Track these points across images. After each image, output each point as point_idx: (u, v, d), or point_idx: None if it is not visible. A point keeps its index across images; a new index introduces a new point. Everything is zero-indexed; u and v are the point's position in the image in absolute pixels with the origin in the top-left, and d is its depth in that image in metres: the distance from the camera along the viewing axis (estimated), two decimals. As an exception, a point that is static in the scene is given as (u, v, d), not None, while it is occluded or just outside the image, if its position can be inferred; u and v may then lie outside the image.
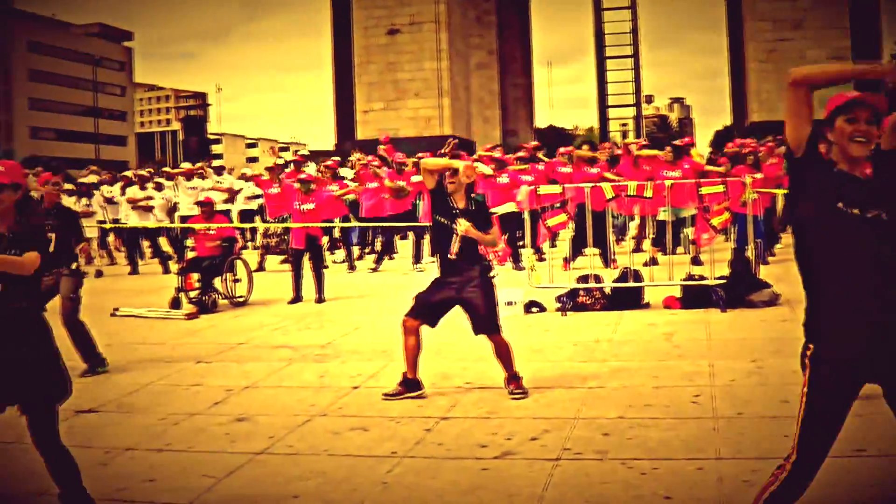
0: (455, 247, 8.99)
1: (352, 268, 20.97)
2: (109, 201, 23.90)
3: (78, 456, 6.29)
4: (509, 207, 18.34)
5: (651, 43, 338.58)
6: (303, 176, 17.71)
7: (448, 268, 9.11)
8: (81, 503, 6.01)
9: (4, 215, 5.99)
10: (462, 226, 8.91)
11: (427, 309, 9.10)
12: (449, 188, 9.10)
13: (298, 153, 27.09)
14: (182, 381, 10.42)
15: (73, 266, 11.00)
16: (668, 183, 15.02)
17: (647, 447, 7.15)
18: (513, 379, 9.04)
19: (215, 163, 28.67)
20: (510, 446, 7.34)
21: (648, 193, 14.58)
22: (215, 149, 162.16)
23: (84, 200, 22.56)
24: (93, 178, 25.30)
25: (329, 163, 23.46)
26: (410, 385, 9.11)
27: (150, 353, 12.17)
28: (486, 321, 9.02)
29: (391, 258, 22.04)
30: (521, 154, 22.28)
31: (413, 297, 9.21)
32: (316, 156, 31.31)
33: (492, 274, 9.23)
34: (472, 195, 9.43)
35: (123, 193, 24.09)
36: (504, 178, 19.44)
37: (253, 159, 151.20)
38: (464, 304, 9.07)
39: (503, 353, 9.08)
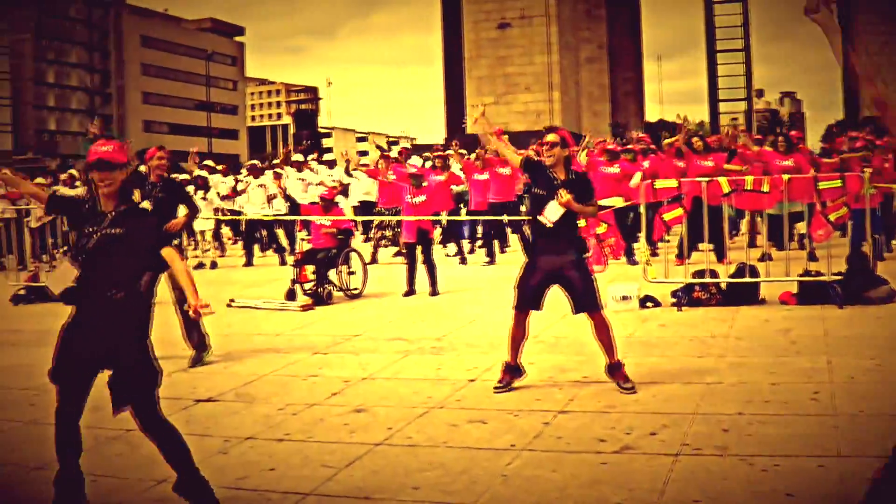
0: (555, 215, 8.91)
1: (463, 261, 20.98)
2: (227, 196, 24.24)
3: (197, 445, 6.38)
4: (615, 202, 18.17)
5: (762, 36, 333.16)
6: (412, 170, 17.77)
7: (543, 244, 9.07)
8: (198, 487, 6.07)
9: (111, 195, 6.11)
10: (563, 196, 8.84)
11: (529, 294, 9.09)
12: (547, 161, 9.06)
13: (402, 147, 27.19)
14: (299, 371, 10.52)
15: (175, 242, 11.17)
16: (785, 177, 14.78)
17: (767, 444, 7.05)
18: (616, 369, 8.98)
19: (326, 156, 28.81)
20: (629, 441, 7.29)
21: (766, 188, 14.41)
22: (326, 142, 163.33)
23: (200, 193, 22.87)
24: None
25: (440, 153, 23.47)
26: (514, 371, 9.13)
27: (266, 344, 12.31)
28: (585, 298, 8.98)
29: (503, 251, 22.00)
30: (631, 146, 22.06)
31: (514, 287, 9.19)
32: (423, 149, 31.33)
33: (586, 254, 9.20)
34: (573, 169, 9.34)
35: (237, 185, 24.36)
36: (615, 169, 19.23)
37: (363, 153, 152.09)
38: (562, 283, 9.04)
39: (603, 334, 9.03)
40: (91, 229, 6.06)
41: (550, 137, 9.19)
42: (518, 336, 9.15)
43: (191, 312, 6.15)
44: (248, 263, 22.83)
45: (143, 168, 11.64)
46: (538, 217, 9.02)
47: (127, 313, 6.00)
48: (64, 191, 21.57)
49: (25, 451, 7.90)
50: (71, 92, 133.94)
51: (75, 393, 6.10)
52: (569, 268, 8.94)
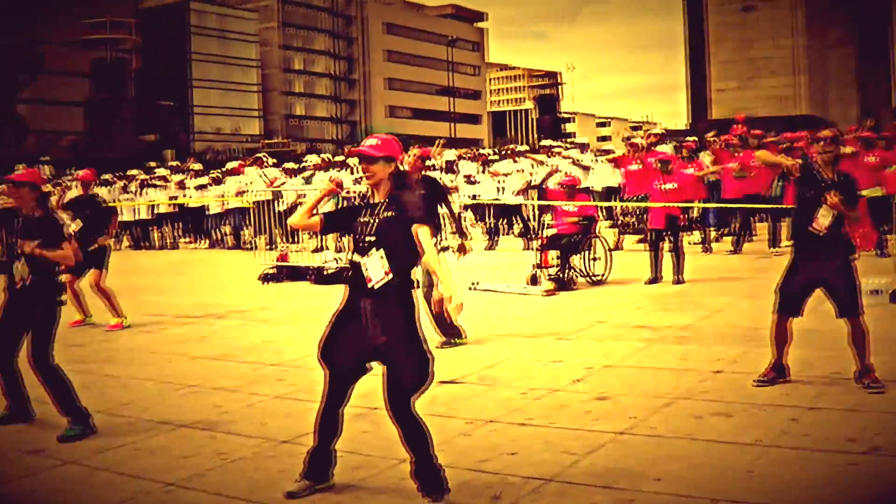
0: (826, 221, 8.64)
1: (707, 249, 20.63)
2: (469, 180, 24.48)
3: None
4: (875, 192, 17.54)
5: None
6: (661, 156, 17.54)
7: (810, 248, 8.80)
8: (432, 474, 6.11)
9: (380, 185, 6.26)
10: (833, 198, 8.56)
11: (792, 299, 8.82)
12: (823, 158, 8.78)
13: (650, 133, 26.80)
14: (542, 356, 10.52)
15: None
16: None
17: None
18: (865, 372, 8.62)
19: (577, 140, 28.68)
20: (879, 442, 6.97)
21: None
22: (568, 127, 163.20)
23: (449, 176, 23.12)
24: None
25: (687, 141, 23.12)
26: (780, 370, 8.87)
27: (509, 328, 12.36)
28: (847, 303, 8.65)
29: (749, 240, 21.55)
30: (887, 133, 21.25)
31: (776, 291, 8.94)
32: (672, 135, 30.91)
33: (853, 256, 8.87)
34: (838, 170, 9.02)
35: (484, 171, 24.56)
36: (872, 158, 18.55)
37: (604, 138, 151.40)
38: (826, 287, 8.75)
39: (859, 340, 8.66)
40: (367, 219, 6.23)
41: (827, 133, 8.95)
42: (781, 339, 8.90)
43: (438, 307, 6.22)
44: (491, 247, 22.95)
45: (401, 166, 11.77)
46: (809, 228, 8.75)
47: (400, 301, 6.11)
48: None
49: (273, 426, 8.13)
50: (317, 78, 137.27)
51: (343, 381, 6.27)
52: (834, 275, 8.63)
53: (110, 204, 17.82)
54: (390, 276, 6.08)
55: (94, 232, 14.04)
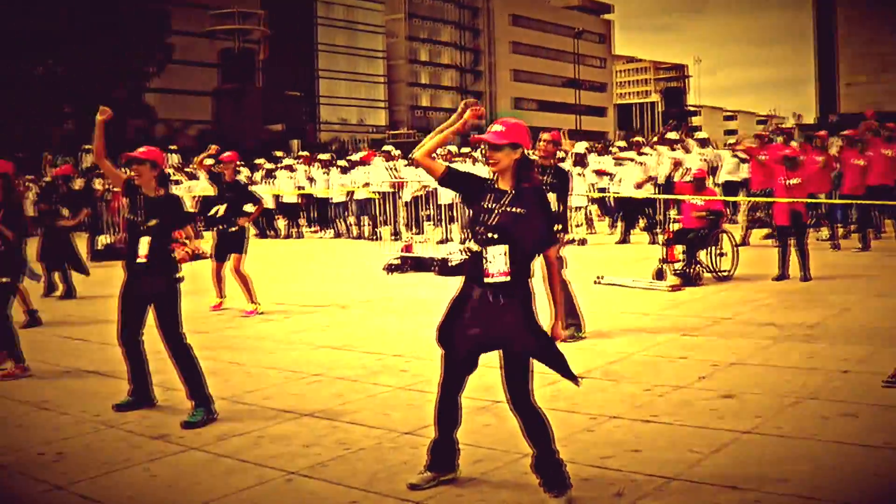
0: None
1: (836, 246, 20.21)
2: (599, 172, 24.42)
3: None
4: None
5: None
6: (786, 152, 17.23)
7: None
8: (553, 469, 6.05)
9: (506, 173, 6.16)
10: None
11: None
12: None
13: (779, 126, 26.38)
14: (667, 352, 10.40)
15: (558, 226, 11.23)
16: None
17: None
18: None
19: (697, 135, 28.34)
20: None
21: None
22: (694, 121, 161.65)
23: (577, 169, 23.07)
24: None
25: (821, 133, 22.69)
26: None
27: (633, 323, 12.25)
28: None
29: (877, 236, 21.09)
30: None
31: None
32: (803, 129, 30.40)
33: None
34: None
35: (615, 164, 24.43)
36: None
37: (731, 132, 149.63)
38: None
39: None
40: (491, 206, 6.12)
41: None
42: None
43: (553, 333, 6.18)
44: (624, 241, 22.80)
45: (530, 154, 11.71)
46: None
47: (517, 290, 6.04)
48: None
49: (395, 417, 8.17)
50: (443, 70, 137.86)
51: (459, 368, 6.22)
52: None
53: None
54: (508, 277, 6.00)
55: (235, 216, 14.44)
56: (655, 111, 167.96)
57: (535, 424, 6.07)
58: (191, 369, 8.40)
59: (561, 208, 11.05)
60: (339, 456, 7.09)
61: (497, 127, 6.22)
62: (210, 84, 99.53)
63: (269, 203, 30.81)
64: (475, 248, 6.13)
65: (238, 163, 15.06)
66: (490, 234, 6.04)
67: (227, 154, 15.21)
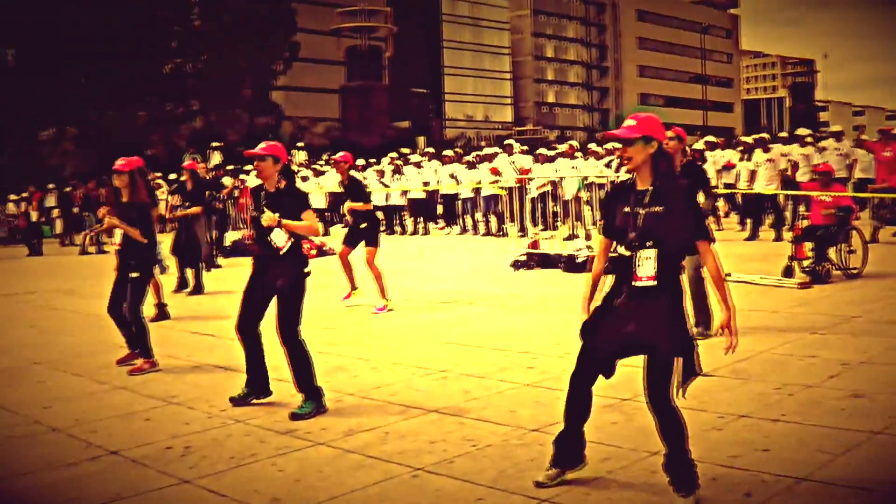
0: None
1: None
2: (726, 167, 24.17)
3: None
4: None
5: None
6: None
7: None
8: (684, 469, 5.96)
9: (643, 170, 6.04)
10: None
11: None
12: None
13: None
14: (796, 350, 10.21)
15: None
16: None
17: None
18: None
19: (832, 127, 27.80)
20: None
21: None
22: (822, 116, 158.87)
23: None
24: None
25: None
26: None
27: (762, 321, 12.06)
28: None
29: None
30: None
31: None
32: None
33: None
34: None
35: (742, 159, 24.12)
36: None
37: (859, 127, 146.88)
38: None
39: None
40: (631, 210, 6.02)
41: None
42: None
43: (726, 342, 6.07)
44: (752, 237, 22.49)
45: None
46: None
47: (666, 291, 5.95)
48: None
49: (522, 414, 8.14)
50: (568, 66, 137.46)
51: (597, 364, 6.14)
52: None
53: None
54: (655, 280, 5.91)
55: (359, 212, 14.81)
56: (783, 107, 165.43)
57: (672, 424, 5.98)
58: (303, 362, 8.48)
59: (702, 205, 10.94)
60: (465, 453, 7.10)
61: (628, 122, 6.10)
62: (336, 81, 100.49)
63: (396, 199, 31.14)
64: (625, 252, 6.03)
65: (351, 163, 15.28)
66: (638, 239, 5.95)
67: (340, 154, 15.46)
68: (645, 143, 6.00)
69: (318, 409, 8.36)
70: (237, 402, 8.81)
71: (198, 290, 17.68)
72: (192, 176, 18.93)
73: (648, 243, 5.92)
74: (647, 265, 5.92)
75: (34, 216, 32.14)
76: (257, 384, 8.91)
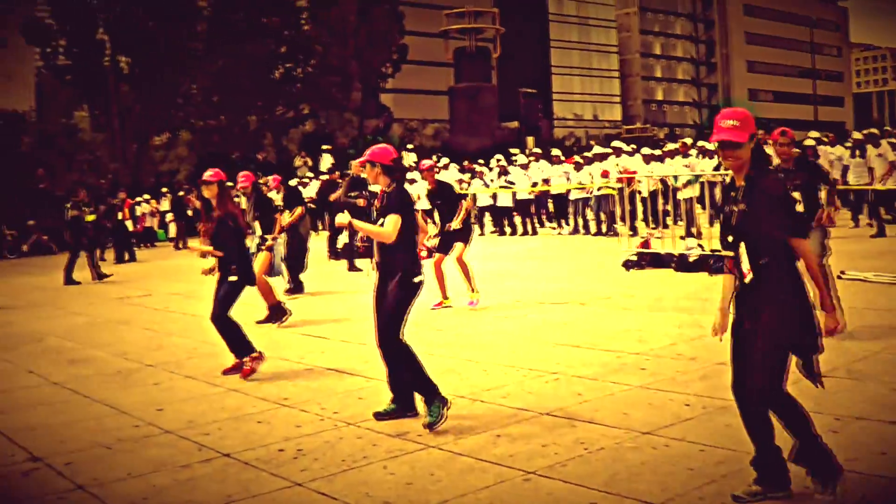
0: None
1: None
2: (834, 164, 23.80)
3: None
4: None
5: None
6: None
7: None
8: (819, 454, 5.87)
9: (743, 168, 5.92)
10: None
11: None
12: None
13: None
14: (916, 350, 9.99)
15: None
16: None
17: None
18: None
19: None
20: None
21: None
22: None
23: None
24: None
25: None
26: None
27: (879, 320, 11.79)
28: None
29: None
30: None
31: None
32: None
33: None
34: None
35: (854, 156, 23.73)
36: None
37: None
38: None
39: None
40: (730, 207, 5.95)
41: None
42: None
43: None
44: (880, 234, 22.08)
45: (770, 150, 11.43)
46: None
47: (773, 283, 5.80)
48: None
49: (635, 416, 8.05)
50: (676, 63, 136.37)
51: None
52: None
53: (464, 191, 18.36)
54: (750, 275, 5.81)
55: (449, 216, 14.85)
56: (895, 100, 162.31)
57: (793, 415, 5.87)
58: (411, 361, 8.36)
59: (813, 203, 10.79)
60: (577, 456, 7.03)
61: (729, 122, 5.89)
62: (445, 83, 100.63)
63: (505, 200, 31.19)
64: (726, 252, 5.99)
65: (436, 169, 15.48)
66: (731, 237, 5.90)
67: (425, 163, 15.67)
68: (750, 141, 5.88)
69: (441, 405, 8.15)
70: (381, 416, 8.52)
71: (297, 289, 17.94)
72: (283, 184, 19.26)
73: (737, 239, 5.88)
74: (744, 261, 5.85)
75: (129, 225, 32.45)
76: (403, 400, 8.59)
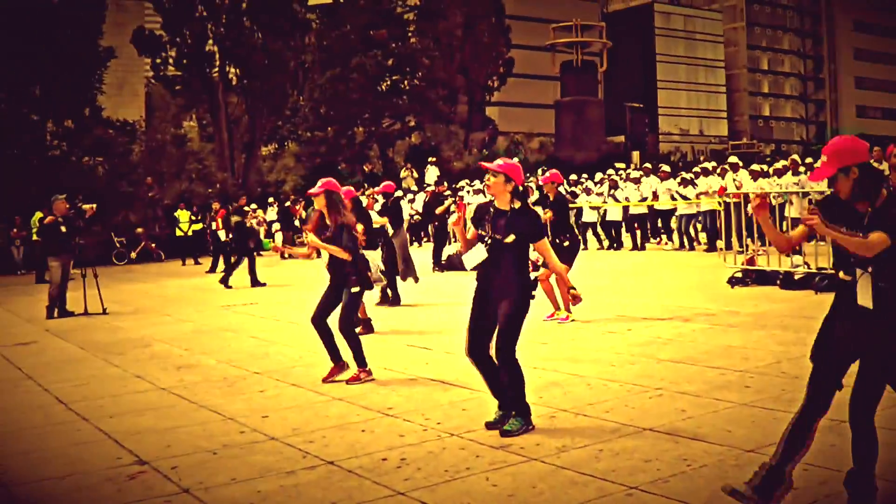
0: None
1: None
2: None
3: (887, 441, 6.09)
4: None
5: None
6: None
7: None
8: (867, 486, 5.82)
9: (848, 191, 5.80)
10: None
11: None
12: None
13: None
14: None
15: None
16: None
17: None
18: None
19: None
20: None
21: None
22: None
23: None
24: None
25: None
26: None
27: None
28: None
29: None
30: None
31: None
32: None
33: None
34: None
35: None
36: None
37: None
38: None
39: None
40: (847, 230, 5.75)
41: None
42: None
43: None
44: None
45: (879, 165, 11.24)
46: None
47: (890, 304, 5.70)
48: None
49: (738, 434, 7.95)
50: (784, 78, 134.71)
51: (826, 387, 5.96)
52: None
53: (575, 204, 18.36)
54: (872, 303, 5.71)
55: (562, 229, 15.01)
56: None
57: (865, 442, 5.85)
58: (517, 380, 8.38)
59: None
60: (680, 472, 6.99)
61: (822, 158, 5.90)
62: (551, 96, 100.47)
63: (614, 215, 31.13)
64: (843, 277, 5.87)
65: (559, 182, 15.59)
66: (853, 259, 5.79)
67: (547, 174, 15.79)
68: (845, 175, 5.78)
69: (527, 426, 8.33)
70: (492, 426, 8.52)
71: (394, 300, 18.10)
72: (385, 195, 19.48)
73: (856, 263, 5.77)
74: (863, 292, 5.74)
75: (222, 235, 32.74)
76: (508, 405, 8.58)
